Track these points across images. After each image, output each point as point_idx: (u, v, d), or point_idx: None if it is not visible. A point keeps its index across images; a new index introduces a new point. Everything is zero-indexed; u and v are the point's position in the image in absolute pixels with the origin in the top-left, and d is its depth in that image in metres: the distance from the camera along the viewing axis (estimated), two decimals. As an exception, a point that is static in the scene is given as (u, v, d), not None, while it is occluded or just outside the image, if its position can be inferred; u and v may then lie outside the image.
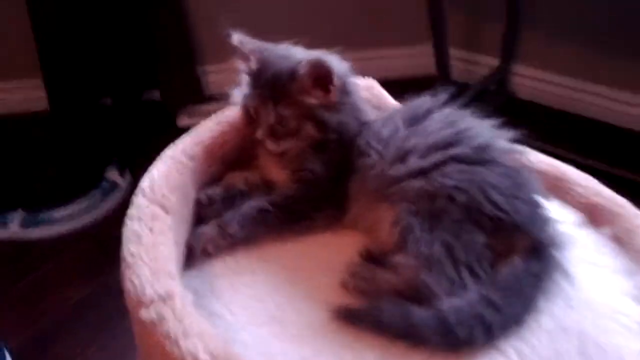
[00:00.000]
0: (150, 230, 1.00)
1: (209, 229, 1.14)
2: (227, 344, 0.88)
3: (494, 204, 1.04)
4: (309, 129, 1.16)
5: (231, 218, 1.14)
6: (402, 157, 1.11)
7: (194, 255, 1.13)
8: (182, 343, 0.84)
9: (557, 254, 1.04)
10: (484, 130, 1.14)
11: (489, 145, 1.11)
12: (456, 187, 1.05)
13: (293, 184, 1.19)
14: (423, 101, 1.21)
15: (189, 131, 1.24)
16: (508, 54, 2.77)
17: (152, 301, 0.90)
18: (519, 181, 1.08)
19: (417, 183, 1.07)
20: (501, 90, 2.84)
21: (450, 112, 1.18)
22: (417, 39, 2.79)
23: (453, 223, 1.03)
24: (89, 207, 2.47)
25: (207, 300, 1.06)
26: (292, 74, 1.14)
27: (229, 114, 1.28)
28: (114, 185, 2.54)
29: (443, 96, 1.20)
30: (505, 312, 0.96)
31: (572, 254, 1.07)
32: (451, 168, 1.07)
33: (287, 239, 1.16)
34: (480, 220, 1.03)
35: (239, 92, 1.23)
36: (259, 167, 1.24)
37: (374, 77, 1.40)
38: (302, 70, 1.13)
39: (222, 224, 1.14)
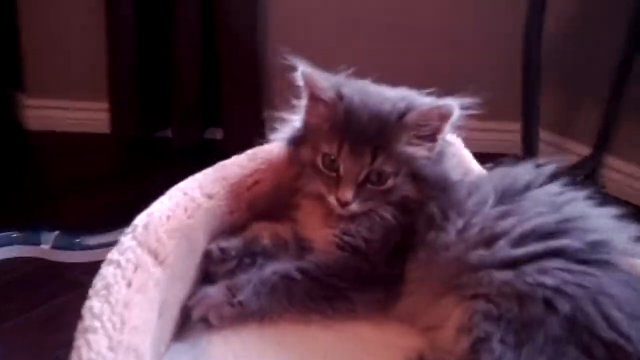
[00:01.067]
0: (128, 283, 0.71)
1: (214, 292, 0.84)
2: None
3: (612, 324, 0.72)
4: (408, 189, 0.88)
5: (246, 282, 0.84)
6: (489, 240, 0.80)
7: (190, 323, 0.84)
8: None
9: None
10: (601, 222, 0.83)
11: (606, 243, 0.80)
12: (558, 290, 0.73)
13: (336, 250, 0.88)
14: (523, 171, 0.89)
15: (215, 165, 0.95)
16: (602, 144, 2.44)
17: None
18: None
19: (503, 276, 0.75)
20: (589, 183, 2.51)
21: (556, 191, 0.87)
22: (505, 115, 2.48)
23: (550, 342, 0.71)
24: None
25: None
26: (401, 119, 0.87)
27: (268, 150, 0.99)
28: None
29: (548, 168, 0.89)
30: None
31: None
32: (553, 264, 0.75)
33: (313, 322, 0.85)
34: (591, 345, 0.71)
35: (289, 128, 0.96)
36: (296, 221, 0.94)
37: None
38: (421, 115, 0.87)
39: (233, 287, 0.84)
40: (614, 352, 0.70)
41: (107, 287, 0.69)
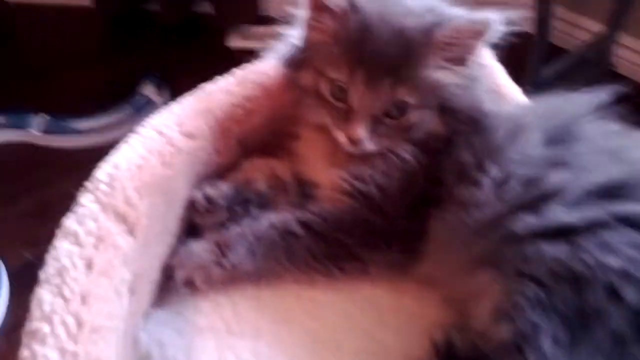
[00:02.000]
0: (88, 264, 0.55)
1: (201, 250, 0.68)
2: None
3: None
4: (434, 124, 0.71)
5: (238, 237, 0.68)
6: (537, 200, 0.63)
7: (172, 286, 0.69)
8: None
9: None
10: None
11: None
12: (625, 275, 0.57)
13: (344, 197, 0.72)
14: (572, 103, 0.71)
15: (192, 92, 0.75)
16: (616, 22, 2.23)
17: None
18: None
19: (556, 251, 0.59)
20: (600, 61, 2.31)
21: (612, 131, 0.69)
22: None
23: (612, 342, 0.55)
24: (117, 122, 2.07)
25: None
26: (427, 36, 0.68)
27: (261, 70, 0.78)
28: (149, 102, 2.13)
29: (596, 95, 0.70)
30: None
31: None
32: (619, 237, 0.59)
33: (318, 285, 0.70)
34: None
35: (286, 46, 0.76)
36: (297, 157, 0.77)
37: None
38: (454, 31, 0.68)
39: (222, 244, 0.68)
40: None
41: (61, 272, 0.54)
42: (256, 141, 0.77)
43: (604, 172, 0.63)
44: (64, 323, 0.50)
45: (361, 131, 0.69)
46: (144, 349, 0.65)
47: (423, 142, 0.71)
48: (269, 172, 0.76)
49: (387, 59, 0.67)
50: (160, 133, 0.67)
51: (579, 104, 0.70)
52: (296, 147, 0.77)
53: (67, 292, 0.52)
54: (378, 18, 0.68)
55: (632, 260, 0.57)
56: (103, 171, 0.62)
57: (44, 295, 0.52)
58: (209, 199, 0.71)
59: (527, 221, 0.61)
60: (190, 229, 0.72)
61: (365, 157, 0.71)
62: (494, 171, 0.65)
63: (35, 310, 0.52)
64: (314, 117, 0.73)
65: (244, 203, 0.72)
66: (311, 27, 0.71)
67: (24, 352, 0.49)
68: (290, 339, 0.66)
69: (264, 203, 0.73)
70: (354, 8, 0.68)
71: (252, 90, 0.76)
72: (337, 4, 0.68)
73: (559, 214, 0.61)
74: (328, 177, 0.73)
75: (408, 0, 0.72)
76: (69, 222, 0.58)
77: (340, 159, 0.73)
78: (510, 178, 0.65)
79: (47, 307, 0.51)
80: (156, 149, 0.66)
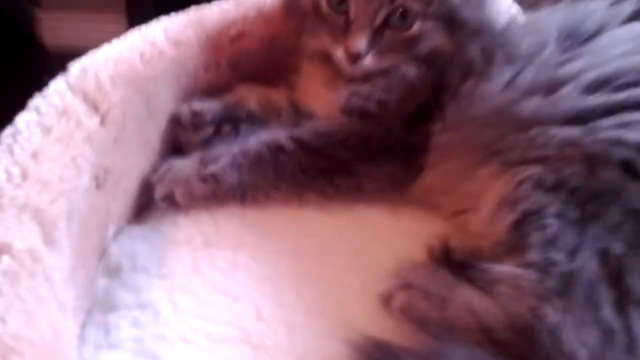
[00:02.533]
0: (46, 130, 0.51)
1: (183, 164, 0.64)
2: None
3: None
4: (440, 37, 0.66)
5: (224, 153, 0.63)
6: (549, 86, 0.57)
7: (151, 201, 0.64)
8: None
9: None
10: None
11: None
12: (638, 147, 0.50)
13: (341, 115, 0.66)
14: (594, 8, 0.64)
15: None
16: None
17: None
18: None
19: (567, 132, 0.53)
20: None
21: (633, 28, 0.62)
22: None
23: (629, 220, 0.49)
24: None
25: (142, 278, 0.56)
26: None
27: (260, -6, 0.75)
28: None
29: (628, 5, 0.64)
30: None
31: None
32: (636, 118, 0.52)
33: (309, 204, 0.64)
34: None
35: None
36: (295, 87, 0.73)
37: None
38: None
39: (206, 159, 0.63)
40: None
41: (15, 134, 0.49)
42: (251, 66, 0.73)
43: (622, 61, 0.57)
44: (7, 172, 0.45)
45: (360, 42, 0.64)
46: (114, 261, 0.59)
47: (429, 58, 0.66)
48: (263, 95, 0.71)
49: None
50: (144, 36, 0.64)
51: (600, 9, 0.64)
52: (295, 79, 0.72)
53: (16, 149, 0.48)
54: None
55: None
56: (78, 62, 0.59)
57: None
58: (195, 114, 0.66)
59: (537, 106, 0.55)
60: (175, 151, 0.68)
61: (366, 80, 0.66)
62: (505, 66, 0.60)
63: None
64: (314, 43, 0.69)
65: (233, 121, 0.67)
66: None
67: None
68: (273, 250, 0.59)
69: (255, 123, 0.68)
70: None
71: (249, 11, 0.72)
72: None
73: (572, 98, 0.55)
74: (326, 101, 0.68)
75: None
76: (34, 99, 0.54)
77: (340, 84, 0.68)
78: (522, 72, 0.59)
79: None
80: (137, 47, 0.62)
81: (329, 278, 0.58)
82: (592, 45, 0.60)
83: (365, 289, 0.55)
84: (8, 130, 0.51)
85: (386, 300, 0.53)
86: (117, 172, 0.59)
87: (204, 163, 0.63)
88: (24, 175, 0.46)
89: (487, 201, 0.55)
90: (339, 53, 0.65)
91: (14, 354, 0.39)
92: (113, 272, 0.58)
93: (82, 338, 0.52)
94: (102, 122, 0.56)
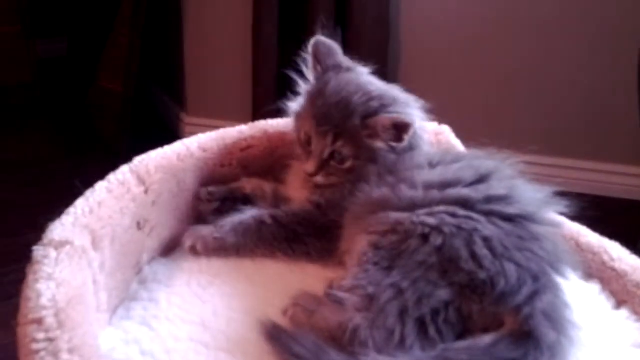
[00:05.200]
0: (109, 190, 0.93)
1: (204, 228, 1.03)
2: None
3: (475, 258, 0.81)
4: (368, 171, 0.99)
5: (228, 223, 1.02)
6: (395, 184, 0.92)
7: (177, 249, 1.05)
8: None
9: (551, 339, 0.77)
10: (525, 192, 0.90)
11: (509, 198, 0.88)
12: (436, 228, 0.83)
13: (308, 206, 1.03)
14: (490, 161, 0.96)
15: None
16: None
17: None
18: (530, 246, 0.83)
19: (398, 216, 0.87)
20: None
21: (493, 165, 0.94)
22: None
23: (416, 267, 0.82)
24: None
25: (156, 286, 0.97)
26: (365, 119, 0.98)
27: (271, 123, 1.17)
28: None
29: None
30: None
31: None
32: (444, 209, 0.86)
33: (281, 260, 1.02)
34: (452, 274, 0.81)
35: (297, 103, 1.09)
36: (283, 181, 1.12)
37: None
38: (380, 123, 0.97)
39: (218, 225, 1.02)
40: (474, 284, 0.80)
41: (93, 191, 0.93)
42: (256, 167, 1.13)
43: (455, 172, 0.91)
44: (82, 208, 0.89)
45: (311, 168, 1.00)
46: (144, 275, 0.99)
47: (356, 182, 0.99)
48: (257, 184, 1.10)
49: (331, 121, 0.98)
50: (184, 144, 1.08)
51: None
52: (285, 175, 1.11)
53: (90, 199, 0.91)
54: (333, 90, 1.00)
55: (443, 221, 0.84)
56: (140, 156, 1.04)
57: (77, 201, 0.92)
58: (209, 193, 1.08)
59: (385, 196, 0.91)
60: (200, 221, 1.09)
61: (320, 187, 1.03)
62: (385, 173, 0.96)
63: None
64: (297, 157, 1.07)
65: (233, 200, 1.08)
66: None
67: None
68: (236, 277, 0.98)
69: (249, 203, 1.08)
70: (319, 80, 1.03)
71: (257, 133, 1.14)
72: (314, 76, 1.04)
73: (407, 192, 0.89)
74: (299, 195, 1.06)
75: (373, 85, 1.02)
76: (109, 175, 0.99)
77: (308, 184, 1.05)
78: (391, 175, 0.94)
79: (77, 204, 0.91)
80: (177, 151, 1.06)
81: (266, 293, 0.95)
82: (449, 167, 0.94)
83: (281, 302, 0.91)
84: (91, 189, 0.95)
85: (284, 312, 0.88)
86: (153, 222, 1.01)
87: (216, 228, 1.02)
88: (91, 212, 0.89)
89: (354, 255, 0.89)
90: (304, 169, 1.03)
91: (60, 325, 0.77)
92: (142, 281, 0.99)
93: (115, 313, 0.93)
94: (146, 191, 0.99)
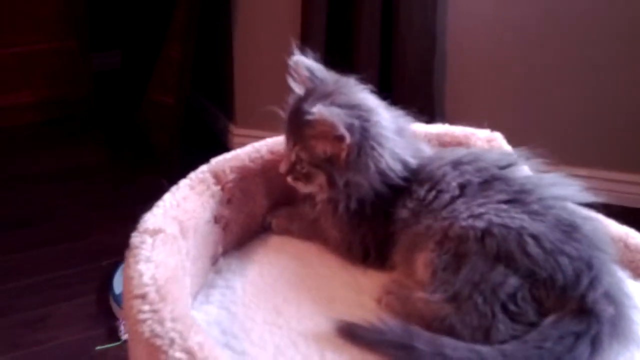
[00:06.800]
0: (191, 187, 1.06)
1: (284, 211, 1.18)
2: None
3: (530, 257, 0.89)
4: (321, 179, 1.04)
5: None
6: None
7: (248, 242, 1.17)
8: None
9: (610, 313, 0.86)
10: (559, 181, 0.98)
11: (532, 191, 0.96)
12: (486, 230, 0.91)
13: None
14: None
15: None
16: None
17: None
18: (574, 235, 0.91)
19: (443, 224, 0.96)
20: None
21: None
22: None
23: (481, 265, 0.90)
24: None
25: (230, 275, 1.07)
26: (304, 118, 1.01)
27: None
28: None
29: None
30: None
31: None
32: (484, 210, 0.94)
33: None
34: (513, 269, 0.89)
35: None
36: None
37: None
38: (312, 119, 1.00)
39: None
40: (535, 278, 0.88)
41: (181, 186, 1.06)
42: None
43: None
44: (170, 202, 1.01)
45: (283, 167, 1.08)
46: (219, 265, 1.10)
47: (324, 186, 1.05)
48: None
49: (291, 128, 1.05)
50: (254, 147, 1.19)
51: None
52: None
53: (177, 195, 1.03)
54: (298, 101, 1.05)
55: (490, 222, 0.91)
56: (217, 157, 1.15)
57: (165, 196, 1.04)
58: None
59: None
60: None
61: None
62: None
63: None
64: None
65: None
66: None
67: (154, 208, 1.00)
68: (303, 270, 1.09)
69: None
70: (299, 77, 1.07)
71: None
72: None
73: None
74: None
75: (354, 94, 1.05)
76: (190, 173, 1.11)
77: None
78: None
79: (165, 198, 1.02)
80: (249, 152, 1.16)
81: (325, 289, 1.05)
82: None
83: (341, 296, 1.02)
84: (175, 186, 1.07)
85: (378, 300, 0.98)
86: (227, 218, 1.12)
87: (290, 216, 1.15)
88: (177, 205, 1.00)
89: (419, 266, 0.96)
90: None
91: (161, 299, 0.87)
92: (218, 271, 1.10)
93: (195, 299, 1.04)
94: (222, 189, 1.11)
